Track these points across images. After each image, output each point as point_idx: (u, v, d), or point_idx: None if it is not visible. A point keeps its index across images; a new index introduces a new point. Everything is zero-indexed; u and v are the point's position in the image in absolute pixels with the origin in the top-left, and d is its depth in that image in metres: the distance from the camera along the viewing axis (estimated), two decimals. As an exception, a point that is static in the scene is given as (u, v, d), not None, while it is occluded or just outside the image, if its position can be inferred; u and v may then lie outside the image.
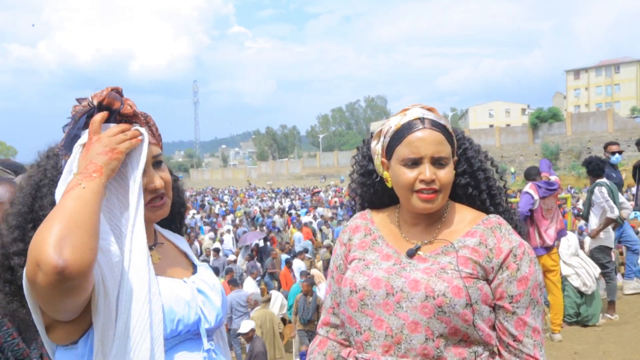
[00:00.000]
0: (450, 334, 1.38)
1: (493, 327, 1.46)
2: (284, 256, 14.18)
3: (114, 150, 1.26)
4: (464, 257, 1.43)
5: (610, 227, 6.72)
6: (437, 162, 1.45)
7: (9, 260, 1.26)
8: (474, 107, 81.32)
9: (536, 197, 5.84)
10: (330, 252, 9.12)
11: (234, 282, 10.46)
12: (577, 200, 18.69)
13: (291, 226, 20.94)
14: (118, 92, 1.36)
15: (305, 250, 14.91)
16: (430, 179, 1.43)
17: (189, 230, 19.66)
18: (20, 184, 1.38)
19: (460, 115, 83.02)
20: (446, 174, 1.46)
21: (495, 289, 1.44)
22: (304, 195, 38.28)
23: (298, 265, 12.47)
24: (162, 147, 1.51)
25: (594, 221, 6.73)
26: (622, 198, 7.02)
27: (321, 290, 9.54)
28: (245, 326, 8.05)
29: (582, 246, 8.05)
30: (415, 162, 1.45)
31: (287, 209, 27.41)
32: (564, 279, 6.63)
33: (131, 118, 1.38)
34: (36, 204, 1.31)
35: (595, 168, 6.68)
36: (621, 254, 9.90)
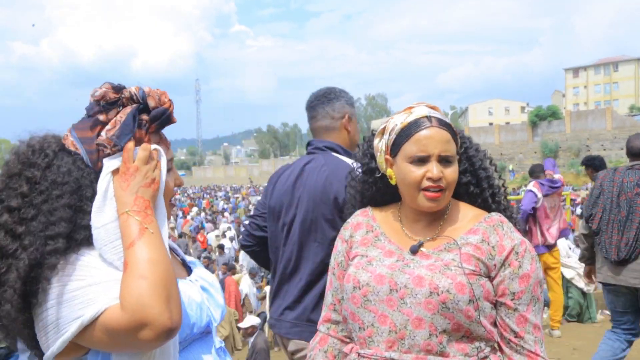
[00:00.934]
0: (453, 330, 1.40)
1: (494, 324, 1.47)
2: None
3: (154, 181, 1.25)
4: (467, 254, 1.44)
5: None
6: (444, 160, 1.46)
7: None
8: (474, 105, 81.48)
9: (539, 195, 5.85)
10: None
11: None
12: (575, 202, 18.10)
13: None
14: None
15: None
16: (438, 176, 1.44)
17: (192, 228, 19.38)
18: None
19: (460, 113, 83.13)
20: (452, 173, 1.47)
21: (497, 285, 1.45)
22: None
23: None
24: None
25: None
26: None
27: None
28: (247, 321, 8.05)
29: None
30: (422, 160, 1.46)
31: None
32: (567, 281, 6.70)
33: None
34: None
35: (602, 163, 6.68)
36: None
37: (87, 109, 1.28)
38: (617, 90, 75.48)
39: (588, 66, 79.48)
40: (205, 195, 40.42)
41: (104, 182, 1.22)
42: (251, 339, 7.77)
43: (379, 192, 1.65)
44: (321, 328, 1.66)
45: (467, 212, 1.56)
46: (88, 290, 1.13)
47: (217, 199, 35.80)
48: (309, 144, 2.58)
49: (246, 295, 10.60)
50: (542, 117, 48.49)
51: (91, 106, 1.27)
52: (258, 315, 9.03)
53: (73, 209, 1.20)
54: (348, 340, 1.59)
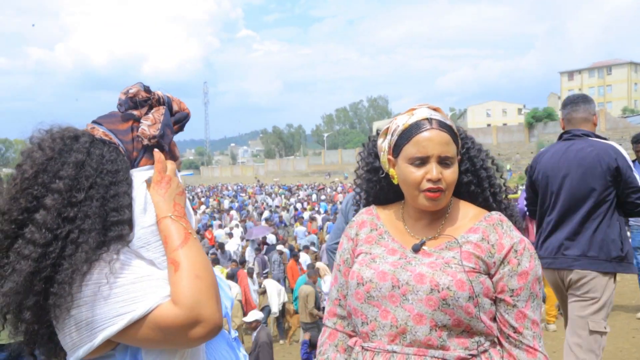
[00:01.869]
0: (453, 325, 1.42)
1: (494, 319, 1.49)
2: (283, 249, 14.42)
3: (184, 190, 1.33)
4: (467, 252, 1.46)
5: None
6: (443, 162, 1.48)
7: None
8: (472, 107, 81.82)
9: None
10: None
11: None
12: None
13: (295, 221, 21.19)
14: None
15: (312, 244, 15.29)
16: (437, 178, 1.46)
17: (200, 225, 19.25)
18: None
19: (458, 114, 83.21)
20: (451, 174, 1.49)
21: (496, 282, 1.47)
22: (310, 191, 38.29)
23: (304, 258, 12.86)
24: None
25: None
26: None
27: (326, 282, 9.75)
28: (251, 316, 8.19)
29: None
30: (422, 161, 1.48)
31: (294, 204, 27.73)
32: None
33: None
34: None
35: None
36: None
37: (120, 104, 1.32)
38: (610, 93, 76.36)
39: (582, 69, 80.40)
40: (212, 194, 40.56)
41: (142, 188, 1.27)
42: (254, 333, 7.89)
43: (383, 190, 1.68)
44: (327, 322, 1.68)
45: (467, 211, 1.57)
46: (132, 287, 1.14)
47: (223, 198, 35.56)
48: (566, 133, 3.51)
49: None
50: (539, 118, 49.04)
51: (125, 101, 1.31)
52: (261, 310, 9.34)
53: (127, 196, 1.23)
54: (354, 334, 1.60)
